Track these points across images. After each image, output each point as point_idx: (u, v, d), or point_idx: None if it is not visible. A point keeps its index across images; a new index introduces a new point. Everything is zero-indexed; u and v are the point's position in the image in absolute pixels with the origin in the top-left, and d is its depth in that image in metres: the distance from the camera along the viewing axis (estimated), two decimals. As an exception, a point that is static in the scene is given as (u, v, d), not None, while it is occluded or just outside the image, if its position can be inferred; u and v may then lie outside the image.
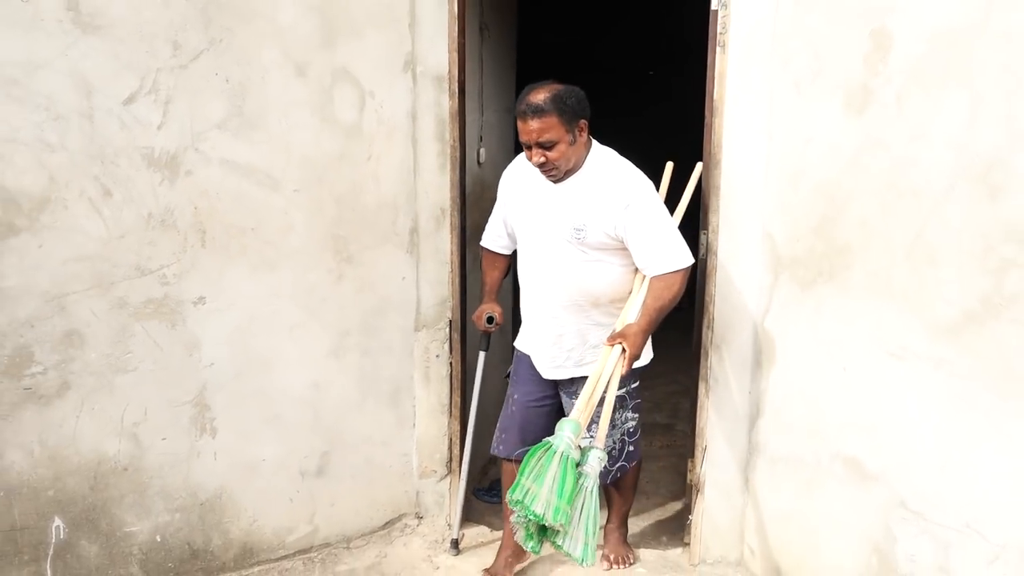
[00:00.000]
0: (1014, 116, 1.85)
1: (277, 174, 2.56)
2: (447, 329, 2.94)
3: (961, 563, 2.04)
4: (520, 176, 2.56)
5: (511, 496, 2.06)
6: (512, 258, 2.72)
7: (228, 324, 2.56)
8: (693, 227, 2.69)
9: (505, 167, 2.66)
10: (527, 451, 2.16)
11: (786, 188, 2.45)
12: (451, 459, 3.00)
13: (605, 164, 2.40)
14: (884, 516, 2.22)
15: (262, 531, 2.74)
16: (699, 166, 2.61)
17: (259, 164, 2.52)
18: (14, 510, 2.32)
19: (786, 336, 2.50)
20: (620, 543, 2.84)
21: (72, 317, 2.31)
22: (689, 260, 2.36)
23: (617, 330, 2.35)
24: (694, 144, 2.70)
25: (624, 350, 2.27)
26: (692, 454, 2.80)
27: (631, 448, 2.65)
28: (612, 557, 2.80)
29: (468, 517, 3.08)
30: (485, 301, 2.74)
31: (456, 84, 2.77)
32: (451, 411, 2.96)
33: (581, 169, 2.39)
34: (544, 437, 2.18)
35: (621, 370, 2.27)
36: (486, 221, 2.77)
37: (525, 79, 3.16)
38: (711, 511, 2.77)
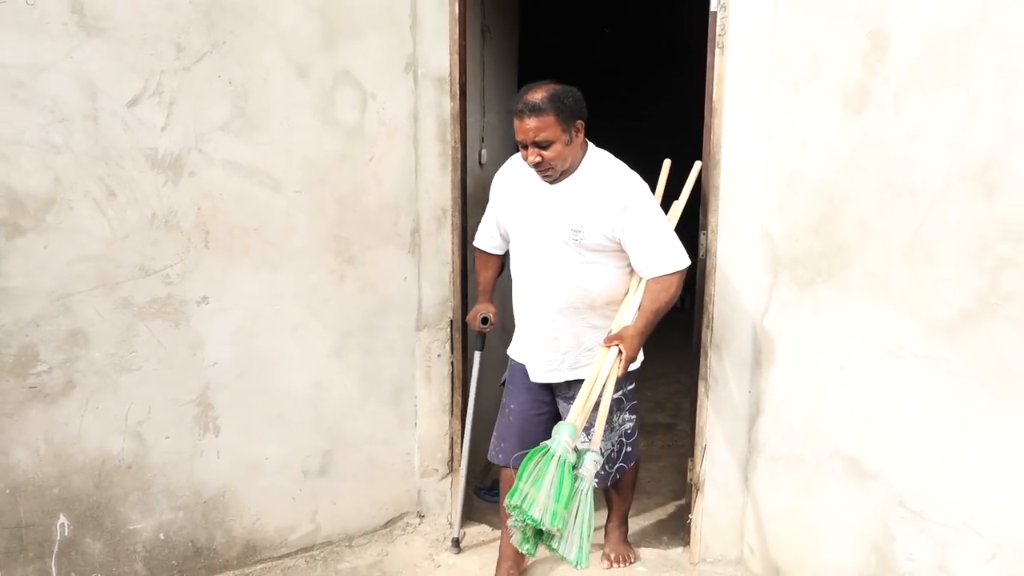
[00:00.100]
0: (1010, 116, 1.86)
1: (279, 175, 2.58)
2: (448, 329, 2.96)
3: (959, 561, 2.05)
4: (514, 177, 2.55)
5: (509, 501, 2.06)
6: (505, 257, 2.72)
7: (231, 324, 2.58)
8: (692, 227, 2.70)
9: (507, 168, 2.67)
10: (525, 454, 2.17)
11: (785, 188, 2.46)
12: (452, 458, 3.01)
13: (601, 166, 2.40)
14: (883, 515, 2.23)
15: (265, 529, 2.76)
16: (697, 164, 2.62)
17: (261, 165, 2.54)
18: (19, 507, 2.34)
19: (785, 335, 2.51)
20: (620, 542, 2.85)
21: (77, 317, 2.34)
22: (686, 262, 2.37)
23: (614, 332, 2.36)
24: (694, 144, 2.70)
25: (620, 352, 2.28)
26: (692, 453, 2.81)
27: (629, 449, 2.66)
28: (613, 556, 2.81)
29: (470, 516, 3.10)
30: (480, 301, 2.73)
31: (457, 85, 2.79)
32: (452, 410, 2.98)
33: (577, 170, 2.38)
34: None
35: (617, 372, 2.27)
36: (487, 222, 2.78)
37: (527, 80, 3.19)
38: (711, 510, 2.78)
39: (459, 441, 2.97)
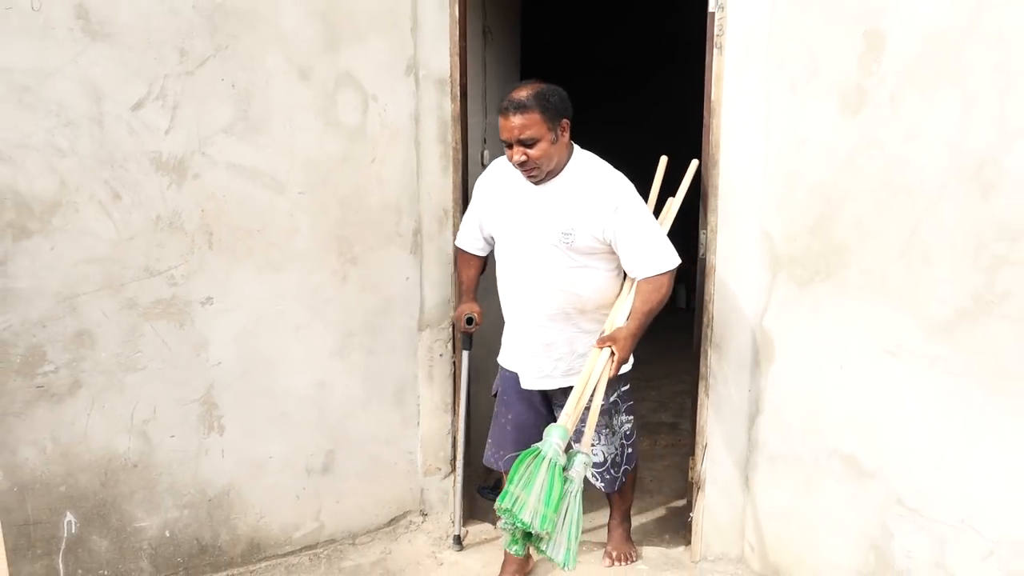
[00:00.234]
0: (1006, 115, 1.87)
1: (282, 177, 2.61)
2: (450, 329, 2.98)
3: (957, 559, 2.07)
4: (498, 180, 2.52)
5: (499, 504, 2.06)
6: (488, 256, 2.70)
7: (235, 324, 2.61)
8: (687, 225, 2.71)
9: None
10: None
11: (783, 188, 2.47)
12: (455, 457, 3.03)
13: (588, 167, 2.39)
14: (881, 513, 2.24)
15: (269, 527, 2.78)
16: (694, 163, 2.62)
17: (264, 167, 2.57)
18: (27, 505, 2.37)
19: (784, 335, 2.52)
20: (622, 540, 2.86)
21: (83, 317, 2.37)
22: (676, 261, 2.37)
23: (606, 333, 2.36)
24: (694, 143, 2.71)
25: (613, 353, 2.27)
26: (693, 452, 2.82)
27: (630, 451, 2.68)
28: (614, 554, 2.82)
29: (472, 515, 3.12)
30: (463, 301, 2.69)
31: (458, 87, 2.81)
32: (455, 409, 3.00)
33: (564, 172, 2.37)
34: None
35: (609, 373, 2.27)
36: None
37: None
38: (712, 508, 2.79)
39: (462, 440, 2.99)
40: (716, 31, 2.52)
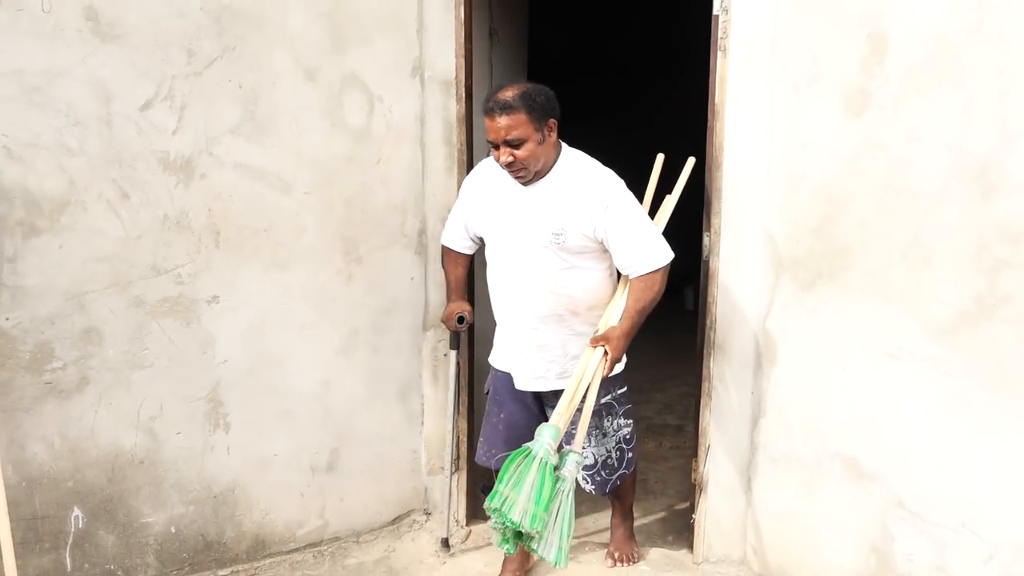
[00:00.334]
0: (1007, 117, 1.87)
1: (288, 177, 2.63)
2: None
3: (957, 562, 2.06)
4: (486, 182, 2.50)
5: (489, 504, 2.06)
6: (474, 256, 2.69)
7: (241, 322, 2.63)
8: (694, 224, 2.71)
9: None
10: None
11: (786, 190, 2.47)
12: (458, 456, 3.05)
13: (577, 165, 2.37)
14: (882, 516, 2.24)
15: (274, 524, 2.81)
16: (691, 160, 2.60)
17: (271, 167, 2.60)
18: (35, 500, 2.41)
19: (787, 337, 2.52)
20: (624, 540, 2.85)
21: (91, 315, 2.40)
22: (669, 256, 2.35)
23: (600, 332, 2.34)
24: (696, 147, 2.72)
25: (606, 352, 2.26)
26: (695, 454, 2.83)
27: (630, 455, 2.65)
28: (616, 555, 2.82)
29: (476, 514, 3.13)
30: (453, 300, 2.66)
31: (463, 88, 2.82)
32: (458, 409, 3.01)
33: (552, 171, 2.35)
34: None
35: (603, 373, 2.26)
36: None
37: (536, 81, 3.21)
38: (714, 510, 2.80)
39: (465, 440, 3.01)
40: (720, 34, 2.53)
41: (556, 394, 2.43)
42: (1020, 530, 1.93)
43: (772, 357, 2.58)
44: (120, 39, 2.32)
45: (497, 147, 2.27)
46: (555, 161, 2.36)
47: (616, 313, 2.37)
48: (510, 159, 2.25)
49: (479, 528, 3.07)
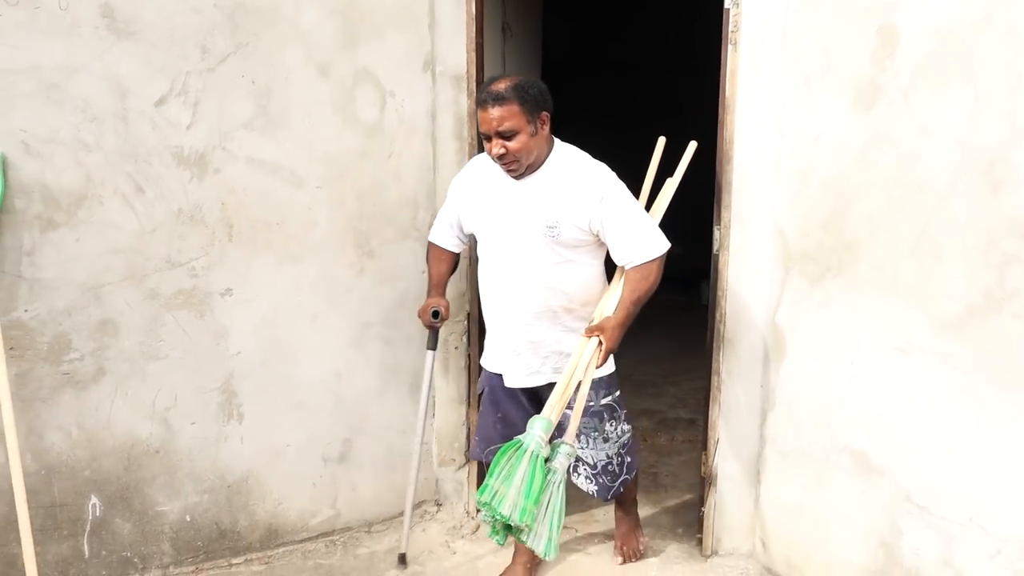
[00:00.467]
0: (1016, 112, 1.86)
1: (301, 171, 2.66)
2: (465, 321, 3.01)
3: (964, 557, 2.06)
4: (477, 177, 2.48)
5: (479, 497, 2.06)
6: (459, 256, 2.69)
7: (254, 315, 2.67)
8: (710, 221, 2.71)
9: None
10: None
11: (796, 183, 2.47)
12: (469, 448, 3.07)
13: (570, 158, 2.35)
14: (890, 510, 2.24)
15: (287, 514, 2.85)
16: (692, 144, 2.57)
17: (283, 162, 2.63)
18: (54, 488, 2.46)
19: (796, 330, 2.52)
20: (630, 532, 2.85)
21: (107, 307, 2.45)
22: (665, 246, 2.33)
23: (595, 322, 2.33)
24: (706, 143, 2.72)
25: (601, 343, 2.24)
26: (704, 447, 2.83)
27: (629, 459, 2.61)
28: (624, 549, 2.81)
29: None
30: (431, 295, 2.63)
31: (474, 83, 2.84)
32: (469, 401, 3.04)
33: (545, 165, 2.33)
34: None
35: (597, 363, 2.24)
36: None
37: (550, 76, 3.22)
38: (723, 503, 2.80)
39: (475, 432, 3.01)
40: (731, 27, 2.52)
41: (551, 387, 2.38)
42: (1028, 525, 1.92)
43: (781, 351, 2.58)
44: (135, 35, 2.36)
45: (489, 139, 2.25)
46: (547, 155, 2.34)
47: (611, 304, 2.35)
48: (502, 151, 2.24)
49: (489, 519, 3.09)
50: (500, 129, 2.21)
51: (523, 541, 2.10)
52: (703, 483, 2.87)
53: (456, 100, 2.87)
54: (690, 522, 3.11)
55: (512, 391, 2.54)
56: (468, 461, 3.10)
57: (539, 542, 2.08)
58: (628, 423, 2.60)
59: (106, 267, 2.43)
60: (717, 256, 2.68)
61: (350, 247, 2.80)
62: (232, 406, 2.69)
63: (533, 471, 2.06)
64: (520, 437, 2.13)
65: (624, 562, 2.81)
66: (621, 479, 2.58)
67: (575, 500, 2.76)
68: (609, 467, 2.53)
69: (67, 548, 2.51)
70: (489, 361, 2.58)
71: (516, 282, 2.40)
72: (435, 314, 2.59)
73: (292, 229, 2.69)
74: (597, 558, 2.86)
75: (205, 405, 2.65)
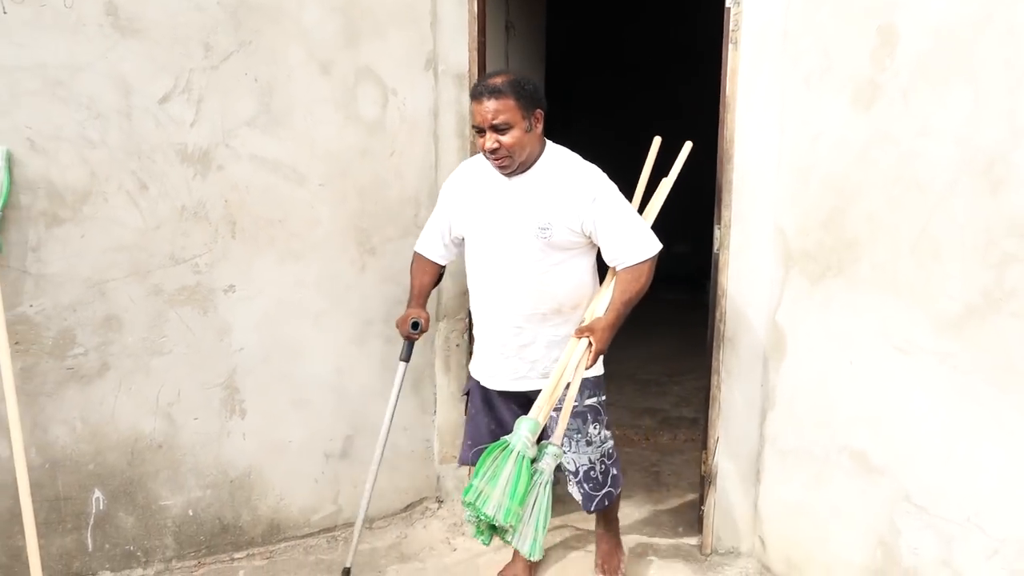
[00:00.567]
0: (1016, 111, 1.85)
1: (303, 169, 2.68)
2: (467, 319, 3.02)
3: (963, 557, 2.05)
4: (467, 181, 2.45)
5: (464, 497, 2.04)
6: (444, 268, 2.64)
7: (257, 311, 2.69)
8: (708, 216, 2.71)
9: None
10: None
11: (797, 182, 2.47)
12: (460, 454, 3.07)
13: (562, 159, 2.33)
14: (889, 509, 2.24)
15: (289, 509, 2.87)
16: (687, 145, 2.56)
17: (286, 159, 2.64)
18: (58, 481, 2.49)
19: (796, 329, 2.52)
20: (611, 551, 2.74)
21: (111, 302, 2.47)
22: (657, 247, 2.30)
23: (585, 323, 2.30)
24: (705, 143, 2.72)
25: (591, 344, 2.22)
26: (704, 446, 2.84)
27: (614, 472, 2.52)
28: (605, 568, 2.71)
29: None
30: (411, 306, 2.56)
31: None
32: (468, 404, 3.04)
33: (536, 165, 2.30)
34: None
35: (586, 364, 2.22)
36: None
37: (554, 75, 3.22)
38: (723, 502, 2.81)
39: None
40: (732, 26, 2.53)
41: (539, 392, 2.33)
42: (1025, 525, 1.92)
43: (781, 350, 2.58)
44: (139, 33, 2.38)
45: (482, 132, 2.22)
46: (539, 155, 2.31)
47: (602, 305, 2.32)
48: (495, 145, 2.20)
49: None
50: (495, 122, 2.18)
51: (508, 541, 2.08)
52: (703, 482, 2.87)
53: (458, 99, 2.88)
54: (691, 521, 3.12)
55: (500, 395, 2.50)
56: (460, 466, 3.07)
57: (524, 543, 2.07)
58: (608, 430, 2.51)
59: (110, 263, 2.45)
60: (717, 255, 2.68)
61: (352, 245, 2.81)
62: (235, 402, 2.71)
63: (519, 472, 2.04)
64: (506, 438, 2.11)
65: None
66: (605, 491, 2.49)
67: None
68: (592, 473, 2.45)
69: (71, 541, 2.53)
70: (477, 366, 2.53)
71: (507, 284, 2.36)
72: (415, 325, 2.54)
73: (294, 226, 2.70)
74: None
75: (208, 401, 2.67)
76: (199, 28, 2.45)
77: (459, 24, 2.84)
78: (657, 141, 2.66)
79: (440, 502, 3.16)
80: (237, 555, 2.79)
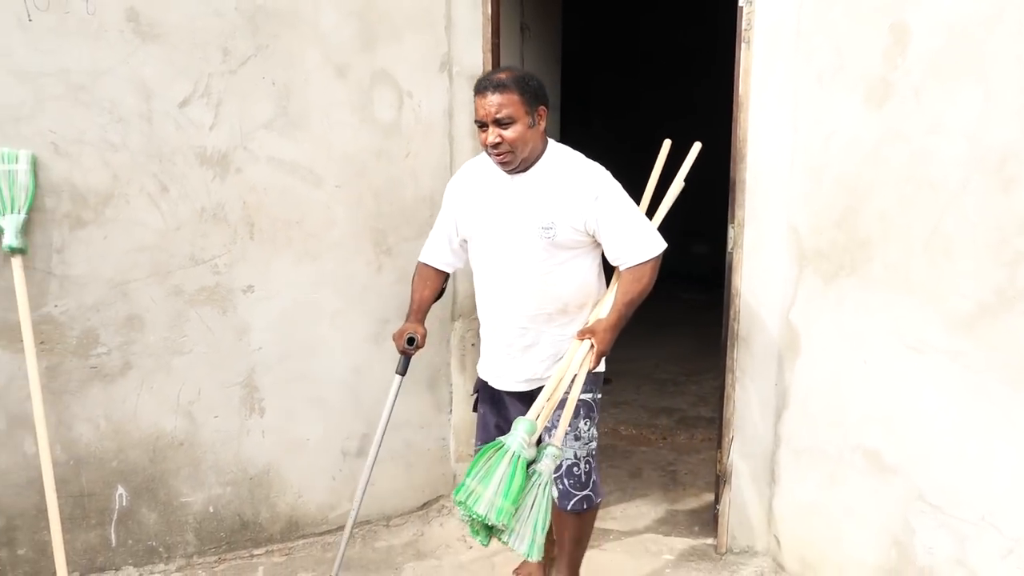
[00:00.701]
0: (1028, 108, 1.84)
1: (320, 170, 2.72)
2: (482, 319, 3.05)
3: (977, 556, 2.05)
4: (470, 182, 2.41)
5: (455, 496, 2.01)
6: (447, 279, 2.58)
7: (275, 311, 2.74)
8: (724, 216, 2.72)
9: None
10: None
11: (810, 181, 2.47)
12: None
13: (564, 158, 2.29)
14: (903, 509, 2.23)
15: (307, 506, 2.91)
16: (696, 146, 2.52)
17: (303, 161, 2.69)
18: (82, 478, 2.55)
19: (810, 329, 2.52)
20: None
21: (133, 303, 2.53)
22: (661, 247, 2.27)
23: (587, 325, 2.27)
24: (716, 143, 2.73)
25: (592, 345, 2.19)
26: (719, 445, 2.84)
27: (595, 478, 2.41)
28: None
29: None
30: (409, 320, 2.49)
31: (491, 83, 2.87)
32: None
33: (539, 163, 2.26)
34: None
35: (589, 366, 2.18)
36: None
37: (570, 76, 3.22)
38: (738, 501, 2.81)
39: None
40: (744, 25, 2.53)
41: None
42: (1040, 525, 1.91)
43: (795, 349, 2.58)
44: (160, 39, 2.44)
45: (484, 127, 2.19)
46: (541, 153, 2.28)
47: (606, 306, 2.29)
48: (498, 140, 2.16)
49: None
50: (498, 116, 2.15)
51: (504, 542, 2.03)
52: (718, 481, 2.87)
53: (472, 100, 2.90)
54: (707, 520, 3.12)
55: (508, 395, 2.46)
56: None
57: (522, 543, 2.02)
58: (598, 431, 2.43)
59: (132, 264, 2.51)
60: (731, 254, 2.69)
61: (368, 245, 2.85)
62: (254, 400, 2.76)
63: (513, 471, 1.99)
64: (503, 438, 2.08)
65: None
66: (585, 494, 2.39)
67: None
68: (575, 470, 2.37)
69: (95, 536, 2.59)
70: (484, 366, 2.50)
71: (511, 284, 2.33)
72: (410, 340, 2.47)
73: (311, 227, 2.74)
74: (611, 554, 2.88)
75: (228, 399, 2.72)
76: (218, 33, 2.50)
77: (473, 27, 2.87)
78: (666, 145, 2.64)
79: (456, 500, 3.18)
80: (256, 551, 2.83)
